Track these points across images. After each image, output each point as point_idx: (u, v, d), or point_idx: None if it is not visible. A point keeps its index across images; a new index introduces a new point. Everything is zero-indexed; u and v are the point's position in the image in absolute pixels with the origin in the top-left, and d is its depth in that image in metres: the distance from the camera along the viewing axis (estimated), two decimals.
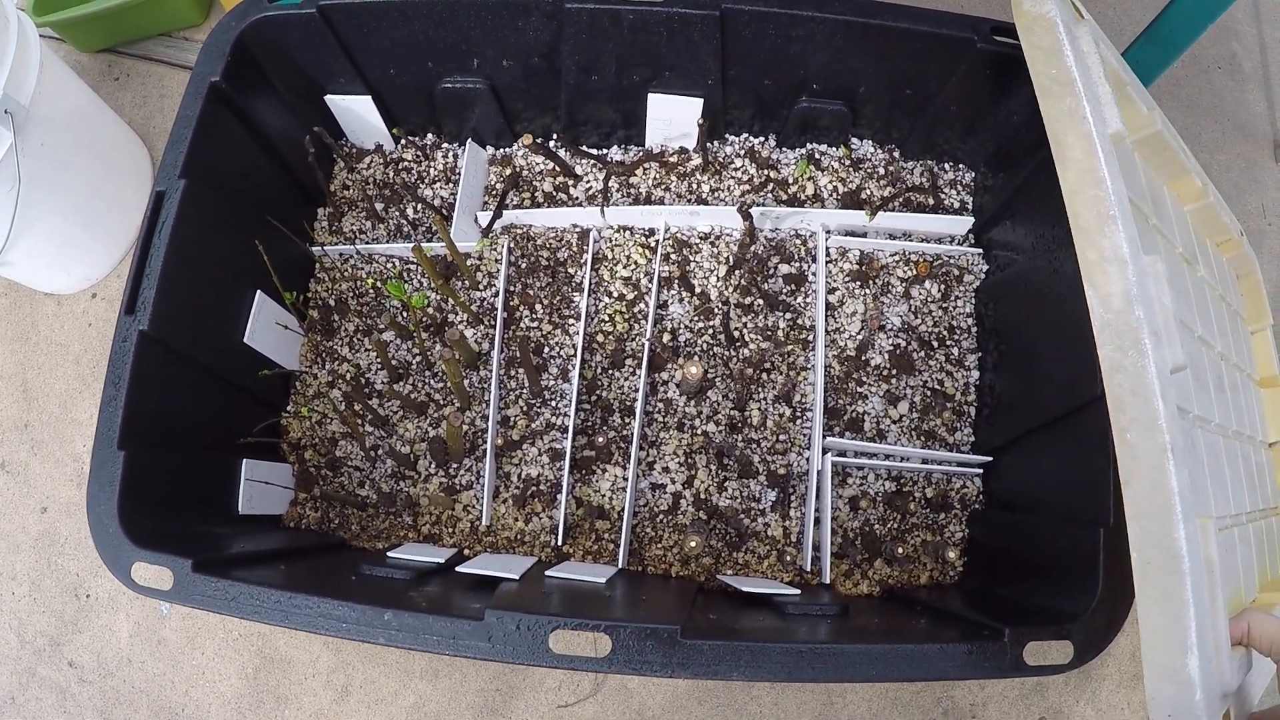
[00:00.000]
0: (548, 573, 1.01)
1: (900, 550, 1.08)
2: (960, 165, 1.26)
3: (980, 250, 1.22)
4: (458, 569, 0.99)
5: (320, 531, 1.14)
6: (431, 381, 1.18)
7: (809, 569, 1.09)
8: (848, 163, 1.24)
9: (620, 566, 1.08)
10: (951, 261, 1.22)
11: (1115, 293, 0.71)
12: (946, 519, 1.14)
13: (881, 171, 1.24)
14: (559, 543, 1.10)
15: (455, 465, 1.15)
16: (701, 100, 1.17)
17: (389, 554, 1.04)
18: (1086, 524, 0.90)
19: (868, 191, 1.23)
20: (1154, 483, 0.67)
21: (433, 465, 1.15)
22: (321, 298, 1.23)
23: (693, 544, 1.00)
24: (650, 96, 1.17)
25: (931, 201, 1.23)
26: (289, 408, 1.19)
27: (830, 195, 1.23)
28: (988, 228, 1.22)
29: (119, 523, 0.89)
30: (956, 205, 1.25)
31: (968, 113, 1.17)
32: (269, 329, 1.14)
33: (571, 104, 1.20)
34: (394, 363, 1.17)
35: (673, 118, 1.20)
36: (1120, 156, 0.85)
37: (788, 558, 1.10)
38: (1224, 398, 0.99)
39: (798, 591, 1.02)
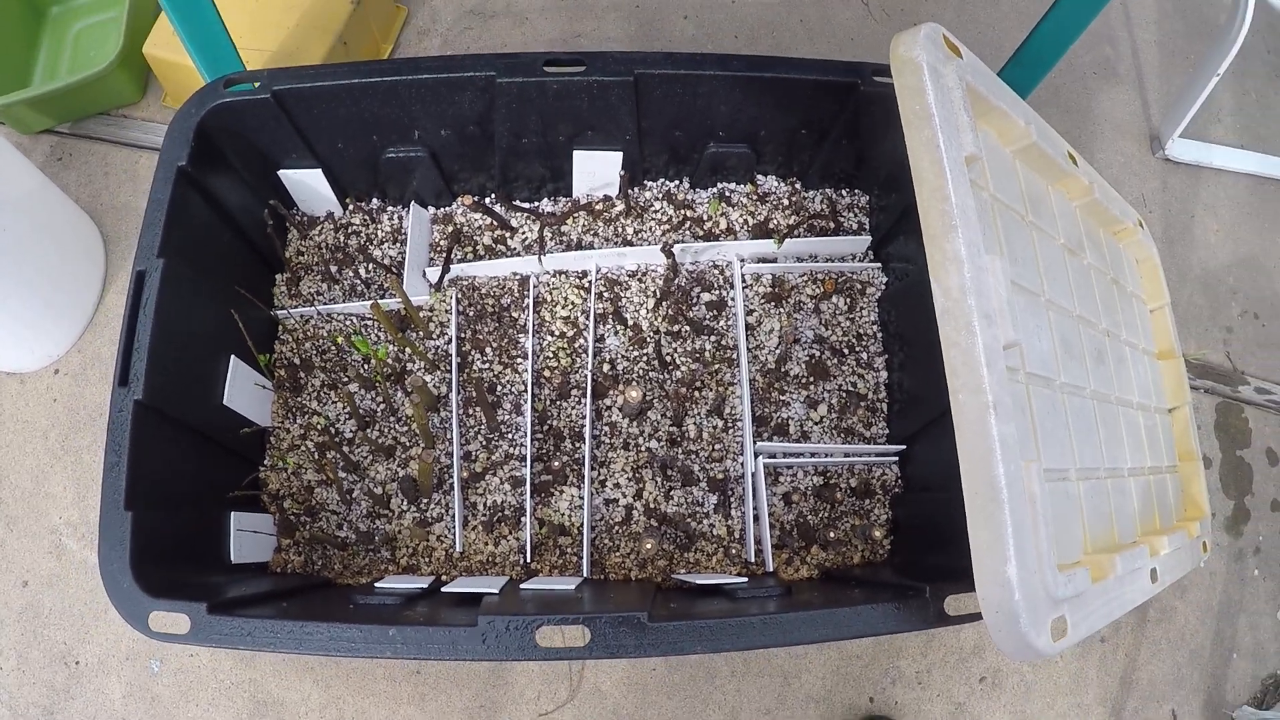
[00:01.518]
0: (522, 586, 1.16)
1: (832, 535, 1.26)
2: (856, 190, 1.46)
3: (880, 264, 1.41)
4: (442, 590, 1.13)
5: (305, 574, 1.27)
6: (396, 426, 1.33)
7: (754, 561, 1.26)
8: (755, 197, 1.43)
9: (585, 576, 1.23)
10: (854, 277, 1.41)
11: (953, 285, 0.87)
12: (871, 504, 1.32)
13: (786, 202, 1.43)
14: (527, 560, 1.25)
15: (425, 500, 1.29)
16: (621, 153, 1.35)
17: (376, 585, 1.18)
18: None
19: (775, 221, 1.42)
20: (978, 432, 0.84)
21: (405, 502, 1.30)
22: (287, 357, 1.36)
23: (649, 546, 1.17)
24: (575, 153, 1.35)
25: (832, 225, 1.43)
26: (265, 461, 1.32)
27: (741, 228, 1.42)
28: (884, 244, 1.41)
29: (133, 577, 1.01)
30: (855, 226, 1.44)
31: (858, 146, 1.36)
32: (244, 390, 1.27)
33: (504, 164, 1.37)
34: (360, 412, 1.32)
35: (596, 170, 1.37)
36: (985, 169, 1.01)
37: (733, 552, 1.27)
38: (1104, 369, 1.16)
39: (745, 580, 1.19)
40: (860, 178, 1.45)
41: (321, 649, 0.97)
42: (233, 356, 1.25)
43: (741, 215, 1.43)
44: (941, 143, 0.92)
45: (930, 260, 0.90)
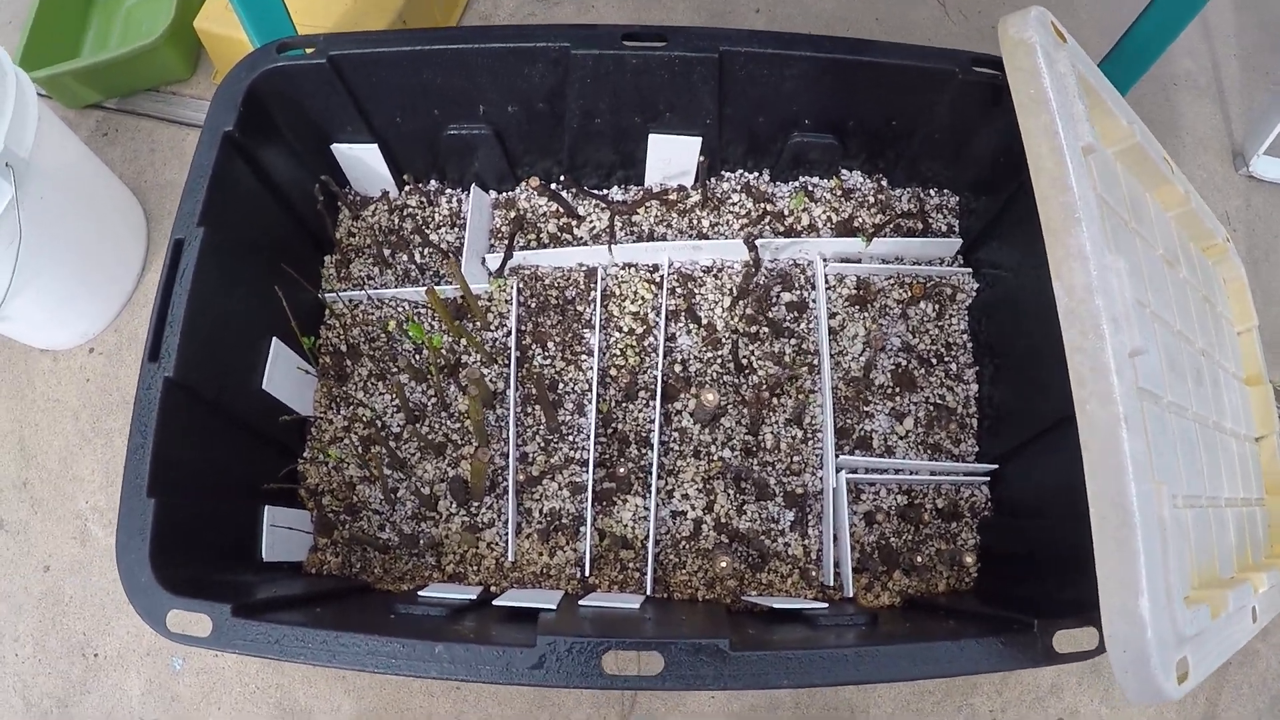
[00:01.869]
0: (580, 603, 1.01)
1: (919, 559, 1.10)
2: (944, 190, 1.31)
3: (970, 270, 1.26)
4: (494, 602, 0.98)
5: (341, 576, 1.13)
6: (448, 422, 1.18)
7: (831, 585, 1.11)
8: (839, 193, 1.28)
9: (647, 594, 1.08)
10: (943, 282, 1.26)
11: (1078, 284, 0.77)
12: (958, 527, 1.16)
13: (871, 200, 1.28)
14: (584, 574, 1.10)
15: (476, 504, 1.15)
16: (700, 139, 1.20)
17: (419, 593, 1.03)
18: None
19: (860, 220, 1.27)
20: (1108, 448, 0.73)
21: (454, 505, 1.15)
22: (333, 344, 1.22)
23: (724, 564, 1.01)
24: (651, 137, 1.20)
25: (920, 226, 1.27)
26: (305, 454, 1.18)
27: (824, 225, 1.27)
28: (974, 248, 1.27)
29: (151, 571, 0.87)
30: (944, 228, 1.29)
31: (951, 141, 1.21)
32: (285, 375, 1.13)
33: (573, 146, 1.22)
34: (410, 405, 1.17)
35: (671, 157, 1.23)
36: (1092, 166, 0.90)
37: (811, 574, 1.11)
38: (1203, 390, 1.03)
39: (826, 605, 1.04)
40: (949, 177, 1.29)
41: (358, 664, 0.83)
42: (274, 338, 1.12)
43: (825, 212, 1.27)
44: (1060, 130, 0.83)
45: (1051, 256, 0.80)
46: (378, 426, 1.17)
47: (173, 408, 0.95)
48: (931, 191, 1.30)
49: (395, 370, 1.20)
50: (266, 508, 1.08)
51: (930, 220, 1.28)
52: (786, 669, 0.82)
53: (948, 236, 1.28)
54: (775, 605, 1.01)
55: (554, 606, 0.96)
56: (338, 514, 1.15)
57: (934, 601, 1.10)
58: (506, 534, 1.12)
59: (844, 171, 1.29)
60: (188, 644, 0.85)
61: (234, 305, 1.05)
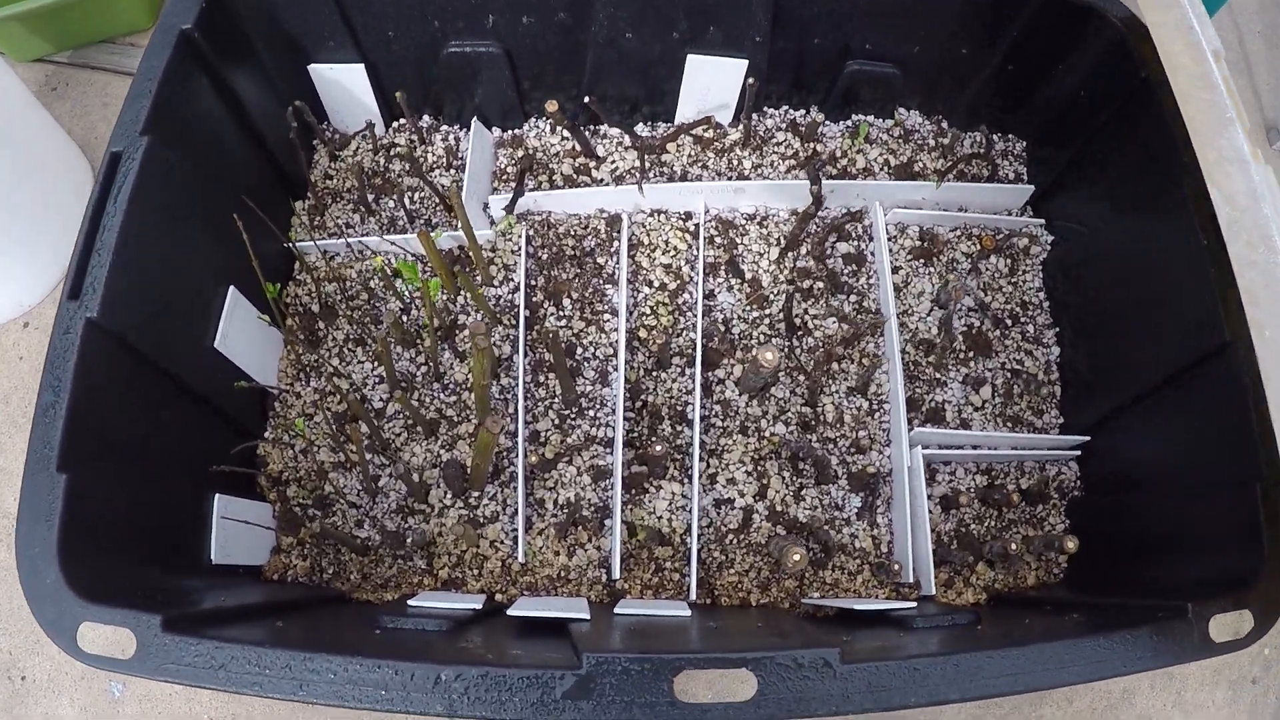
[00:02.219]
0: (616, 611, 0.77)
1: (1013, 548, 0.87)
2: (1009, 135, 1.10)
3: (1042, 221, 1.05)
4: (509, 612, 0.73)
5: (311, 584, 0.87)
6: (442, 395, 0.94)
7: (908, 581, 0.87)
8: (898, 134, 1.06)
9: (691, 599, 0.84)
10: (1016, 234, 1.05)
11: (1239, 191, 0.67)
12: (1045, 510, 0.95)
13: (932, 143, 1.06)
14: (612, 577, 0.85)
15: (476, 494, 0.90)
16: (746, 62, 0.97)
17: (409, 603, 0.78)
18: (1235, 483, 0.74)
19: (920, 164, 1.05)
20: None
21: (449, 495, 0.90)
22: (303, 302, 0.97)
23: (796, 557, 0.76)
24: (690, 58, 0.97)
25: (987, 172, 1.06)
26: (267, 434, 0.93)
27: (881, 169, 1.05)
28: (1045, 200, 1.07)
29: (59, 568, 0.62)
30: (1011, 175, 1.08)
31: (1024, 74, 1.01)
32: (243, 334, 0.88)
33: (595, 71, 1.00)
34: (396, 375, 0.92)
35: (710, 85, 1.00)
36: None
37: (894, 569, 0.87)
38: None
39: (914, 604, 0.81)
40: (1014, 121, 1.09)
41: (335, 697, 0.58)
42: (231, 288, 0.86)
43: (881, 154, 1.05)
44: (1195, 24, 0.73)
45: (1203, 161, 0.71)
46: (356, 400, 0.92)
47: (96, 359, 0.70)
48: (995, 136, 1.09)
49: (380, 331, 0.94)
50: (217, 496, 0.82)
51: (997, 166, 1.06)
52: (913, 683, 0.60)
53: (1016, 184, 1.06)
54: (856, 607, 0.77)
55: (586, 616, 0.71)
56: (306, 507, 0.90)
57: (1025, 596, 0.89)
58: (514, 529, 0.88)
59: (901, 110, 1.07)
60: (106, 669, 0.60)
61: (182, 242, 0.81)
